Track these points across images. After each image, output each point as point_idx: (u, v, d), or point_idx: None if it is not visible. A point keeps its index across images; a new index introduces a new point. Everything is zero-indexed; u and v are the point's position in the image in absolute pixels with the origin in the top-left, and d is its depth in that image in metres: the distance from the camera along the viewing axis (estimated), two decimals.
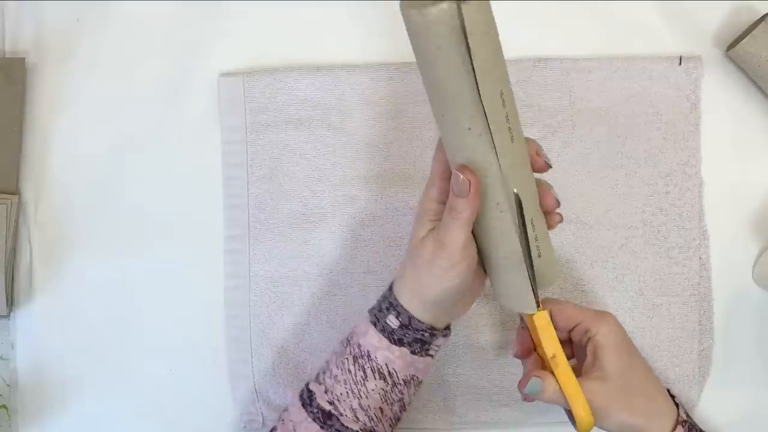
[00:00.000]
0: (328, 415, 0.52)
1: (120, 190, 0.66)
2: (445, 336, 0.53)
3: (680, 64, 0.66)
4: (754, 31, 0.62)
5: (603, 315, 0.54)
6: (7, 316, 0.65)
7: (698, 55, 0.66)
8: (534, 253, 0.48)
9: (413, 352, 0.52)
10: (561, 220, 0.50)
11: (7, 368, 0.65)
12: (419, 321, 0.51)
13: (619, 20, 0.67)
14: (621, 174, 0.65)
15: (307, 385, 0.54)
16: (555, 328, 0.51)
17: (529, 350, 0.54)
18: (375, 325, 0.52)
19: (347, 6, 0.67)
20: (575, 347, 0.56)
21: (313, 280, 0.65)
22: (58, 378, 0.65)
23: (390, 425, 0.54)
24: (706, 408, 0.65)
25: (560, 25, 0.67)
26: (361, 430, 0.52)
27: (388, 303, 0.52)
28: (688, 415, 0.54)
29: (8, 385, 0.65)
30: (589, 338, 0.53)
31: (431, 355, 0.53)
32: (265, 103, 0.66)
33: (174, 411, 0.65)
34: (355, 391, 0.52)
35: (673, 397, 0.55)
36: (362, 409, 0.52)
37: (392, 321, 0.51)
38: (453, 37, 0.40)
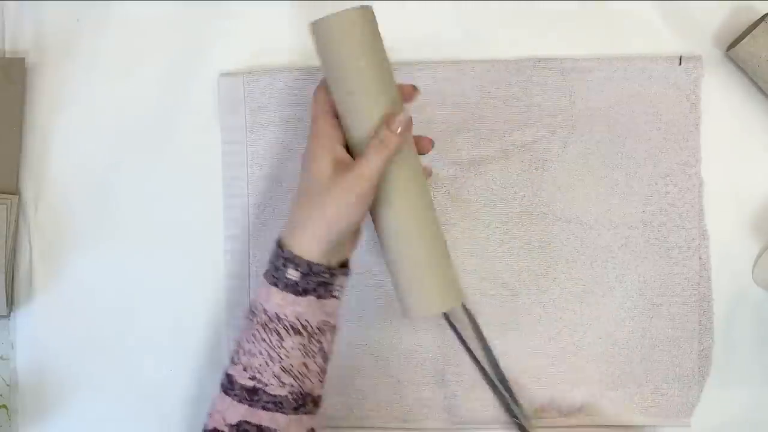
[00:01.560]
0: (252, 391, 0.51)
1: (120, 190, 0.66)
2: (345, 275, 0.54)
3: (680, 64, 0.65)
4: (754, 31, 0.62)
5: None
6: (7, 316, 0.65)
7: (698, 55, 0.66)
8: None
9: (319, 297, 0.52)
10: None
11: (7, 368, 0.65)
12: (318, 264, 0.51)
13: (619, 20, 0.67)
14: (621, 174, 0.65)
15: (225, 372, 0.53)
16: None
17: None
18: (276, 284, 0.52)
19: (347, 6, 0.67)
20: None
21: None
22: (58, 378, 0.65)
23: (318, 378, 0.53)
24: (706, 408, 0.65)
25: (560, 25, 0.67)
26: (289, 393, 0.51)
27: (283, 259, 0.51)
28: None
29: (8, 385, 0.65)
30: None
31: (336, 297, 0.53)
32: (265, 103, 0.66)
33: (174, 411, 0.65)
34: (274, 356, 0.51)
35: None
36: (285, 371, 0.51)
37: (292, 274, 0.51)
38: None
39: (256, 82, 0.66)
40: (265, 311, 0.52)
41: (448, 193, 0.65)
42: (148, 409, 0.65)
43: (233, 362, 0.53)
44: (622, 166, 0.65)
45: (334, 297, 0.53)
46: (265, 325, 0.52)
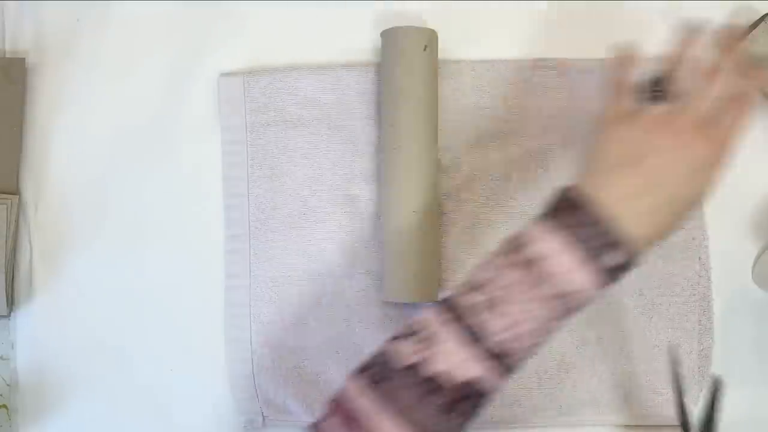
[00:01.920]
0: (503, 354, 0.44)
1: (120, 190, 0.66)
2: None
3: None
4: (754, 31, 0.62)
5: None
6: (7, 316, 0.65)
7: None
8: None
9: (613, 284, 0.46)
10: None
11: (7, 368, 0.65)
12: (639, 258, 0.45)
13: (620, 20, 0.67)
14: None
15: (462, 312, 0.44)
16: None
17: None
18: (590, 262, 0.44)
19: (347, 6, 0.67)
20: None
21: (313, 280, 0.65)
22: (58, 378, 0.65)
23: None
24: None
25: (560, 25, 0.67)
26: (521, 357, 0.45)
27: (606, 238, 0.44)
28: None
29: (8, 385, 0.65)
30: None
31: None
32: (265, 103, 0.66)
33: (174, 411, 0.65)
34: (543, 329, 0.44)
35: None
36: (539, 345, 0.45)
37: (612, 259, 0.44)
38: None
39: (256, 82, 0.66)
40: (559, 284, 0.44)
41: (448, 192, 0.65)
42: (148, 409, 0.65)
43: (491, 307, 0.44)
44: None
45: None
46: (553, 297, 0.44)
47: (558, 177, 0.65)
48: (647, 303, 0.65)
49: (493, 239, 0.65)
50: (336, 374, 0.64)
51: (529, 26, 0.67)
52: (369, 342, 0.64)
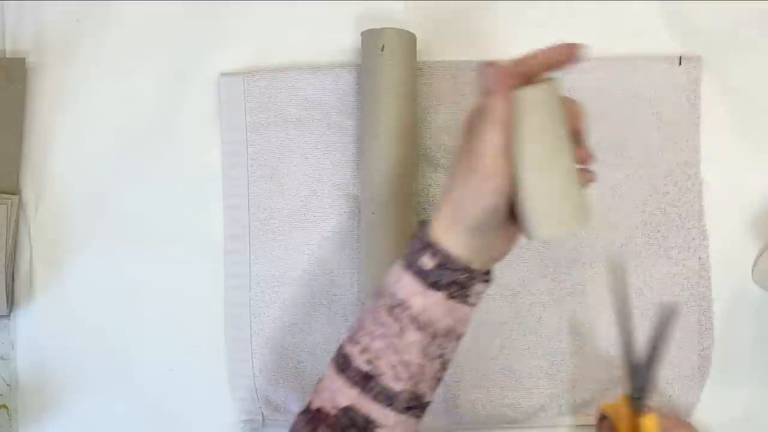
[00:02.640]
0: (367, 377, 0.47)
1: (120, 190, 0.66)
2: (485, 282, 0.49)
3: (680, 64, 0.65)
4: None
5: (684, 424, 0.54)
6: (7, 316, 0.65)
7: (698, 55, 0.66)
8: (551, 183, 0.45)
9: (451, 296, 0.47)
10: (591, 158, 0.49)
11: (7, 368, 0.65)
12: (456, 259, 0.46)
13: (619, 20, 0.67)
14: (621, 174, 0.65)
15: (340, 349, 0.50)
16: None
17: None
18: (409, 267, 0.47)
19: (348, 6, 0.67)
20: None
21: (314, 280, 0.65)
22: (58, 378, 0.65)
23: (431, 387, 0.49)
24: (706, 408, 0.65)
25: (560, 25, 0.67)
26: (403, 390, 0.47)
27: (421, 242, 0.47)
28: None
29: (8, 385, 0.65)
30: None
31: (471, 304, 0.49)
32: (265, 103, 0.66)
33: (174, 411, 0.65)
34: (393, 346, 0.47)
35: None
36: (403, 365, 0.47)
37: (426, 261, 0.47)
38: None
39: (256, 82, 0.66)
40: (392, 294, 0.48)
41: None
42: (148, 409, 0.65)
43: (351, 340, 0.49)
44: (622, 166, 0.65)
45: (469, 304, 0.48)
46: (390, 308, 0.47)
47: None
48: (647, 303, 0.65)
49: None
50: None
51: (529, 26, 0.67)
52: None
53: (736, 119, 0.66)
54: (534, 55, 0.46)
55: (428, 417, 0.64)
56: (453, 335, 0.49)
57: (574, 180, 0.46)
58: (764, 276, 0.65)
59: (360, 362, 0.48)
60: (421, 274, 0.47)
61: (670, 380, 0.64)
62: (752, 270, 0.66)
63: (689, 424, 0.54)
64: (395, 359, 0.47)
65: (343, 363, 0.49)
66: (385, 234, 0.61)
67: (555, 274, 0.65)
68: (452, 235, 0.46)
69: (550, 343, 0.65)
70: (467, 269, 0.47)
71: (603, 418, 0.57)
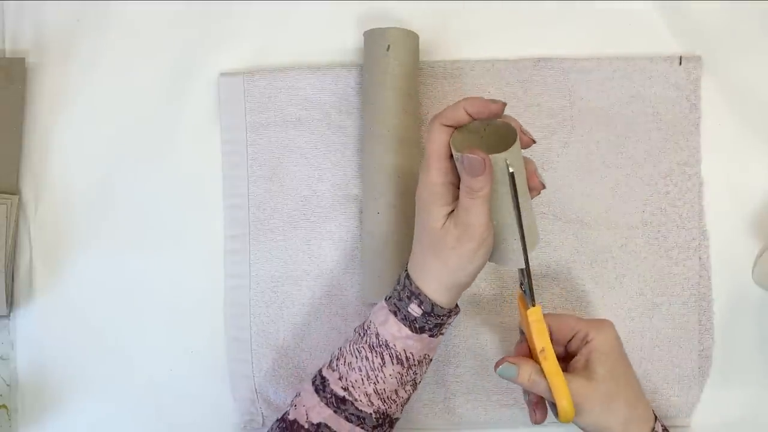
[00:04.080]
0: (341, 400, 0.52)
1: (120, 190, 0.66)
2: (456, 314, 0.54)
3: (680, 64, 0.65)
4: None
5: (603, 322, 0.55)
6: (7, 316, 0.65)
7: (698, 55, 0.66)
8: (525, 222, 0.50)
9: (431, 336, 0.53)
10: (543, 188, 0.53)
11: (7, 368, 0.65)
12: (441, 307, 0.51)
13: (619, 20, 0.67)
14: (621, 174, 0.65)
15: (320, 371, 0.55)
16: (553, 342, 0.54)
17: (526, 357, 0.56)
18: (396, 314, 0.52)
19: (348, 6, 0.67)
20: (569, 356, 0.57)
21: (313, 280, 0.65)
22: (58, 378, 0.65)
23: (401, 405, 0.55)
24: (706, 408, 0.65)
25: (560, 25, 0.67)
26: (374, 412, 0.53)
27: (409, 292, 0.52)
28: (664, 428, 0.55)
29: (8, 385, 0.65)
30: (586, 342, 0.54)
31: (443, 333, 0.54)
32: (265, 103, 0.66)
33: (174, 411, 0.65)
34: (372, 377, 0.52)
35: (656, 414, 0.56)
36: (377, 393, 0.53)
37: (414, 310, 0.52)
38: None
39: (256, 82, 0.66)
40: (377, 335, 0.53)
41: None
42: (148, 409, 0.65)
43: (331, 366, 0.54)
44: (622, 166, 0.65)
45: (442, 334, 0.54)
46: (372, 347, 0.53)
47: (558, 177, 0.65)
48: (647, 303, 0.65)
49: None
50: None
51: (529, 26, 0.67)
52: None
53: (736, 119, 0.66)
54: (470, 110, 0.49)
55: (428, 417, 0.65)
56: (425, 361, 0.54)
57: (532, 209, 0.52)
58: (764, 276, 0.65)
59: (337, 388, 0.53)
60: (408, 320, 0.52)
61: (670, 380, 0.64)
62: (752, 270, 0.66)
63: (577, 317, 0.56)
64: (371, 389, 0.52)
65: (320, 384, 0.54)
66: (390, 234, 0.61)
67: (555, 274, 0.65)
68: (441, 292, 0.51)
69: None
70: (449, 312, 0.53)
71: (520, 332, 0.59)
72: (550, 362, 0.53)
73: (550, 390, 0.52)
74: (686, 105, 0.65)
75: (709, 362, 0.65)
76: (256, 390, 0.65)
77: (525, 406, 0.64)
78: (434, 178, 0.50)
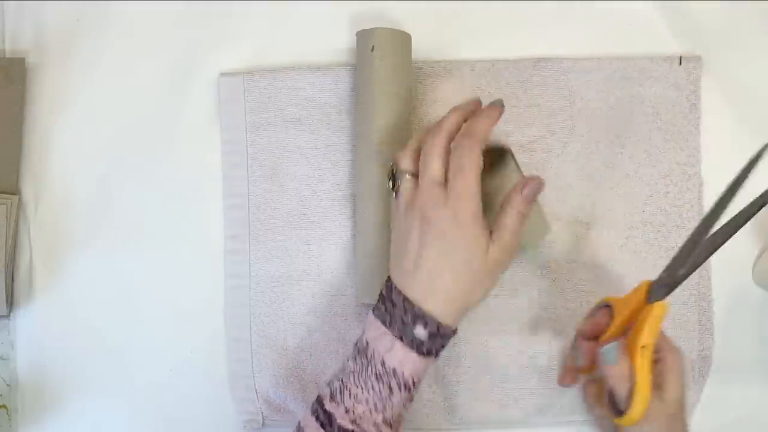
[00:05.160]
0: None
1: (120, 189, 0.66)
2: (455, 332, 0.53)
3: (680, 64, 0.66)
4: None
5: (676, 347, 0.56)
6: (7, 316, 0.65)
7: (698, 56, 0.66)
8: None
9: (436, 356, 0.52)
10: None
11: (7, 368, 0.65)
12: (446, 327, 0.51)
13: (619, 20, 0.67)
14: (621, 174, 0.65)
15: (321, 405, 0.53)
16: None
17: (599, 334, 0.57)
18: (402, 339, 0.51)
19: (348, 6, 0.67)
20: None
21: (313, 280, 0.65)
22: (58, 378, 0.65)
23: (403, 422, 0.54)
24: (706, 408, 0.65)
25: (560, 25, 0.67)
26: None
27: (413, 315, 0.51)
28: None
29: (8, 385, 0.65)
30: (659, 360, 0.54)
31: (440, 355, 0.54)
32: (265, 103, 0.66)
33: (174, 411, 0.65)
34: (380, 407, 0.51)
35: None
36: (386, 422, 0.52)
37: (420, 333, 0.51)
38: None
39: (256, 82, 0.66)
40: (383, 363, 0.51)
41: None
42: (148, 409, 0.65)
43: (333, 398, 0.52)
44: (622, 166, 0.65)
45: (440, 354, 0.53)
46: (379, 377, 0.51)
47: (558, 177, 0.65)
48: None
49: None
50: None
51: (529, 26, 0.67)
52: None
53: (736, 119, 0.66)
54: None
55: (428, 417, 0.65)
56: (421, 381, 0.54)
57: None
58: (764, 276, 0.65)
59: (344, 422, 0.51)
60: (416, 345, 0.51)
61: None
62: (752, 270, 0.66)
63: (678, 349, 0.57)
64: (380, 418, 0.51)
65: (326, 420, 0.52)
66: (378, 234, 0.60)
67: (554, 274, 0.65)
68: (454, 314, 0.52)
69: (549, 344, 0.64)
70: (453, 332, 0.52)
71: (604, 306, 0.58)
72: (646, 361, 0.52)
73: (633, 387, 0.51)
74: (686, 105, 0.65)
75: (708, 362, 0.65)
76: (256, 390, 0.65)
77: (525, 405, 0.64)
78: (476, 207, 0.51)
